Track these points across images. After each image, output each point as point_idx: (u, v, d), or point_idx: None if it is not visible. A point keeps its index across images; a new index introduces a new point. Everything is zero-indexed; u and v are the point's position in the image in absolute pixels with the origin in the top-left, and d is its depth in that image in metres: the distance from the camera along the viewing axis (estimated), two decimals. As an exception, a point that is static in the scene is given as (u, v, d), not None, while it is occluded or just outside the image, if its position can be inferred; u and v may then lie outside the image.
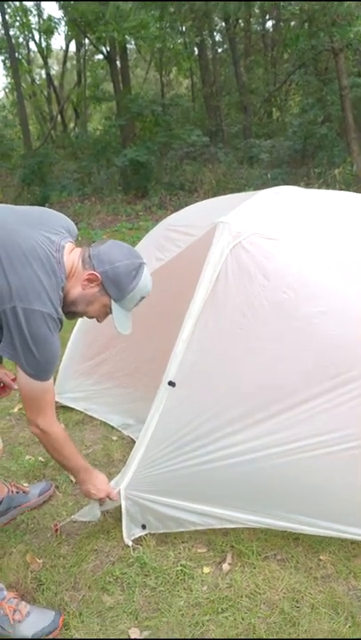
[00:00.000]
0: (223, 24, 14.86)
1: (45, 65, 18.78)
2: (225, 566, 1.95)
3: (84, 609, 1.80)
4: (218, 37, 16.32)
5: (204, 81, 15.28)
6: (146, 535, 2.05)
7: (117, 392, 2.90)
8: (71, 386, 2.97)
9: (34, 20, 15.79)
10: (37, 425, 1.68)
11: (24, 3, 14.17)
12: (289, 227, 2.01)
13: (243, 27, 15.77)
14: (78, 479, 1.92)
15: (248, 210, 2.08)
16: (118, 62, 13.06)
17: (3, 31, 12.95)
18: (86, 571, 1.95)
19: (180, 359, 1.88)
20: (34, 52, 19.88)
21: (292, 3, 11.51)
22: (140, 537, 2.05)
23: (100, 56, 15.37)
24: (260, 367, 1.85)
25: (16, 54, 14.27)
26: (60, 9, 16.96)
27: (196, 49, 14.55)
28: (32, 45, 18.92)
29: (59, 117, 19.38)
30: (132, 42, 12.89)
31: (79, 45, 17.15)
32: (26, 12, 14.52)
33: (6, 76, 22.55)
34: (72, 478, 2.42)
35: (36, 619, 1.70)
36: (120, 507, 1.99)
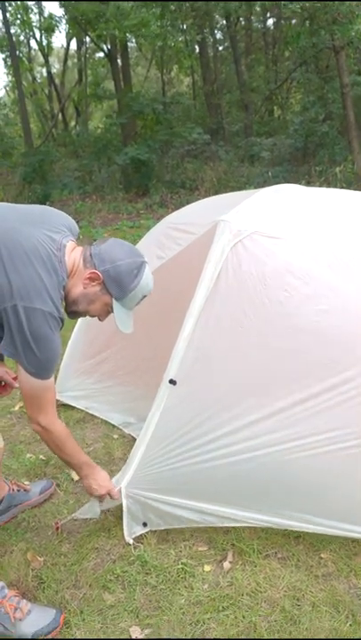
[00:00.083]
0: (224, 22, 14.87)
1: (46, 63, 18.78)
2: (226, 564, 1.95)
3: (84, 607, 1.80)
4: (219, 35, 16.35)
5: (205, 79, 15.28)
6: (147, 533, 2.06)
7: (118, 390, 2.90)
8: (72, 384, 2.97)
9: (35, 18, 15.80)
10: (39, 423, 1.69)
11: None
12: (290, 225, 2.01)
13: (244, 25, 15.76)
14: (81, 474, 1.92)
15: (249, 208, 2.08)
16: (119, 60, 13.07)
17: (4, 29, 12.97)
18: (87, 569, 1.95)
19: (180, 357, 1.88)
20: (35, 50, 19.94)
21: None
22: (140, 535, 2.05)
23: (101, 54, 15.38)
24: (261, 365, 1.85)
25: (17, 52, 14.30)
26: (60, 7, 16.94)
27: (197, 47, 14.56)
28: (33, 43, 18.97)
29: (60, 115, 19.38)
30: (133, 40, 12.89)
31: (80, 43, 17.16)
32: (27, 9, 14.50)
33: (7, 74, 22.61)
34: (73, 476, 2.42)
35: (37, 617, 1.71)
36: (121, 505, 1.99)
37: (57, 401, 2.00)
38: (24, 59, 18.13)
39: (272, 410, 1.81)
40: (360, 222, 2.10)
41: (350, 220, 2.11)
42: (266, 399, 1.83)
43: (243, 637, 1.69)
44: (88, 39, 14.73)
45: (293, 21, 13.17)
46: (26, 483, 2.33)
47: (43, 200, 10.04)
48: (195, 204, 2.93)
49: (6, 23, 12.72)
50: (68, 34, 17.03)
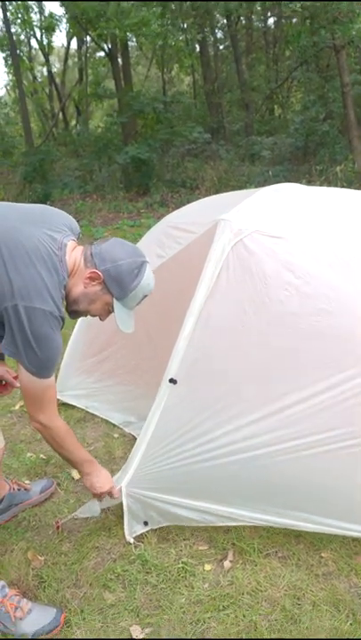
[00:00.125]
0: (225, 21, 14.85)
1: (47, 62, 18.75)
2: (226, 564, 1.95)
3: (85, 606, 1.80)
4: (219, 34, 16.33)
5: (205, 78, 15.27)
6: (147, 532, 2.06)
7: (119, 389, 2.90)
8: (73, 383, 2.97)
9: (35, 17, 15.78)
10: (39, 420, 1.69)
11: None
12: (290, 224, 2.01)
13: (244, 24, 15.73)
14: (82, 472, 1.92)
15: (249, 207, 2.08)
16: (120, 60, 13.05)
17: (4, 28, 12.97)
18: (88, 568, 1.96)
19: (181, 356, 1.88)
20: (35, 49, 19.91)
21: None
22: (141, 534, 2.05)
23: (102, 53, 15.36)
24: (262, 364, 1.85)
25: (17, 51, 14.27)
26: (61, 6, 16.93)
27: (197, 46, 14.55)
28: (33, 43, 18.95)
29: (60, 115, 19.35)
30: (134, 39, 12.86)
31: (80, 43, 17.13)
32: (27, 9, 14.49)
33: (8, 73, 22.54)
34: (74, 475, 2.42)
35: (38, 616, 1.71)
36: (121, 504, 1.99)
37: (57, 400, 2.00)
38: (25, 58, 18.12)
39: (272, 409, 1.81)
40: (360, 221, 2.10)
41: (351, 220, 2.10)
42: (266, 398, 1.83)
43: (243, 636, 1.69)
44: (89, 38, 14.70)
45: (294, 20, 13.18)
46: (26, 482, 2.33)
47: (43, 199, 10.04)
48: (195, 203, 2.93)
49: (7, 22, 12.71)
50: (68, 33, 17.03)
